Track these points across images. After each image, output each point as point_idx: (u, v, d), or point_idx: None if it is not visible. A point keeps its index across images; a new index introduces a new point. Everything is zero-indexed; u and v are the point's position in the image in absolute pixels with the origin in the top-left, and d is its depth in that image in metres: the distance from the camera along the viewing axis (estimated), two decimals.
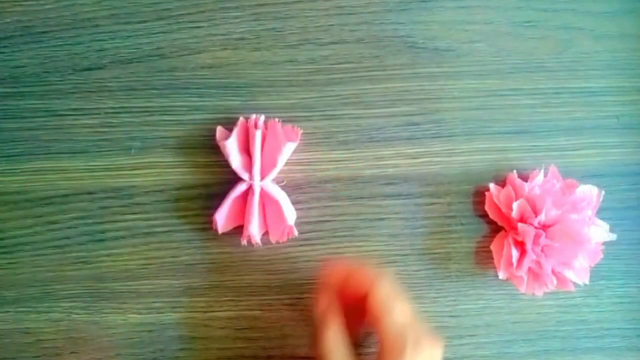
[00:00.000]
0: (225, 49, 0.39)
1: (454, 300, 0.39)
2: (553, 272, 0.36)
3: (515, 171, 0.39)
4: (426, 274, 0.39)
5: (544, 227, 0.37)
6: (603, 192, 0.38)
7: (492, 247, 0.38)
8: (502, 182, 0.39)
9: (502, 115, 0.40)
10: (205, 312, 0.38)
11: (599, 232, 0.38)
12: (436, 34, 0.41)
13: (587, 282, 0.37)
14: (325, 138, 0.39)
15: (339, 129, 0.39)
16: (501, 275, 0.37)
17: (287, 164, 0.39)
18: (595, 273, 0.40)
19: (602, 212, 0.40)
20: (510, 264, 0.36)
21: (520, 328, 0.39)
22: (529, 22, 0.41)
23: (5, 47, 0.39)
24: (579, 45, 0.41)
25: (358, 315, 0.33)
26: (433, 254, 0.39)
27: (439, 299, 0.39)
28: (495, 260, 0.38)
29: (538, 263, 0.36)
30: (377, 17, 0.40)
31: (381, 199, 0.39)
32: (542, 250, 0.36)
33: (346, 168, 0.39)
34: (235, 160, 0.36)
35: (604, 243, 0.38)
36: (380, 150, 0.40)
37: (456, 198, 0.40)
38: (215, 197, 0.38)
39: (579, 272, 0.37)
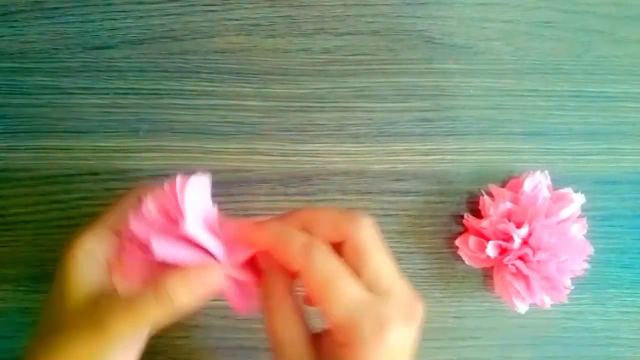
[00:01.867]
0: (239, 34, 0.39)
1: (459, 301, 0.39)
2: (548, 282, 0.36)
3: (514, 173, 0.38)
4: (431, 273, 0.39)
5: (525, 241, 0.36)
6: (615, 199, 0.38)
7: (457, 242, 0.38)
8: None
9: (517, 115, 0.40)
10: (206, 300, 0.38)
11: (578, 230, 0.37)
12: (454, 30, 0.40)
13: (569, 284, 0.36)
14: (336, 130, 0.39)
15: (351, 121, 0.39)
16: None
17: (297, 154, 0.38)
18: (604, 281, 0.39)
19: (613, 220, 0.40)
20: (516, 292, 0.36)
21: (524, 333, 0.39)
22: (548, 22, 0.40)
23: (15, 21, 0.38)
24: (598, 48, 0.41)
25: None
26: (439, 253, 0.39)
27: (443, 299, 0.39)
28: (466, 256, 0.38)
29: (526, 279, 0.36)
30: (395, 9, 0.40)
31: (390, 194, 0.39)
32: (529, 266, 0.35)
33: (356, 162, 0.39)
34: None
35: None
36: (391, 146, 0.39)
37: (466, 197, 0.39)
38: (222, 185, 0.37)
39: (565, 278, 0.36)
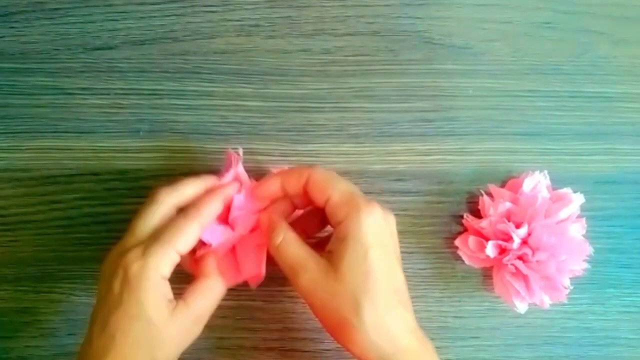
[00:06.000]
0: (239, 35, 0.39)
1: (459, 301, 0.39)
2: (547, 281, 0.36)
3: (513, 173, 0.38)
4: (431, 272, 0.39)
5: (525, 241, 0.36)
6: (614, 199, 0.38)
7: (457, 242, 0.38)
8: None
9: (516, 116, 0.40)
10: None
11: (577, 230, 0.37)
12: (453, 31, 0.40)
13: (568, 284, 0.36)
14: (336, 130, 0.39)
15: (351, 121, 0.39)
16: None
17: (297, 155, 0.38)
18: (604, 281, 0.39)
19: (613, 220, 0.40)
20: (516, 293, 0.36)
21: (524, 332, 0.39)
22: (547, 23, 0.41)
23: (16, 22, 0.38)
24: (597, 49, 0.41)
25: (311, 221, 0.33)
26: (439, 253, 0.39)
27: (443, 298, 0.39)
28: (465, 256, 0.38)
29: (526, 279, 0.36)
30: (394, 10, 0.40)
31: (390, 194, 0.39)
32: (528, 266, 0.35)
33: (356, 162, 0.39)
34: None
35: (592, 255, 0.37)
36: (391, 146, 0.39)
37: (465, 197, 0.39)
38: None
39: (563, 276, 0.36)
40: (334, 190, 0.29)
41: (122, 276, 0.28)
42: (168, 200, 0.31)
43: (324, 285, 0.28)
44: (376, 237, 0.28)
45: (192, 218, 0.30)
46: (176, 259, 0.29)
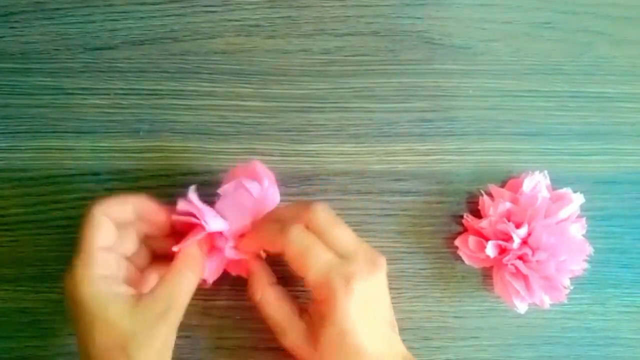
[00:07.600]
0: (239, 35, 0.39)
1: (459, 301, 0.39)
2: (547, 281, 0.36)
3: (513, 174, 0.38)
4: (432, 272, 0.39)
5: (525, 241, 0.36)
6: (614, 199, 0.38)
7: (457, 242, 0.38)
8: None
9: (517, 116, 0.40)
10: (206, 300, 0.38)
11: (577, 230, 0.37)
12: (453, 31, 0.40)
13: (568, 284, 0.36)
14: (336, 130, 0.39)
15: (351, 122, 0.39)
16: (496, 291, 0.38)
17: (297, 155, 0.38)
18: (604, 281, 0.39)
19: (613, 220, 0.40)
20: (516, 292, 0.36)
21: (524, 332, 0.39)
22: (547, 23, 0.41)
23: (16, 22, 0.38)
24: (597, 49, 0.41)
25: None
26: (439, 253, 0.39)
27: (443, 298, 0.39)
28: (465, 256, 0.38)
29: (526, 278, 0.36)
30: (394, 10, 0.40)
31: (389, 195, 0.39)
32: (528, 266, 0.35)
33: (356, 162, 0.39)
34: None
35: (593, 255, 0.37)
36: (391, 146, 0.39)
37: (465, 198, 0.39)
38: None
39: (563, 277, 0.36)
40: (309, 270, 0.28)
41: (65, 293, 0.29)
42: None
43: (305, 350, 0.29)
44: (355, 320, 0.28)
45: (98, 210, 0.30)
46: (106, 255, 0.29)
